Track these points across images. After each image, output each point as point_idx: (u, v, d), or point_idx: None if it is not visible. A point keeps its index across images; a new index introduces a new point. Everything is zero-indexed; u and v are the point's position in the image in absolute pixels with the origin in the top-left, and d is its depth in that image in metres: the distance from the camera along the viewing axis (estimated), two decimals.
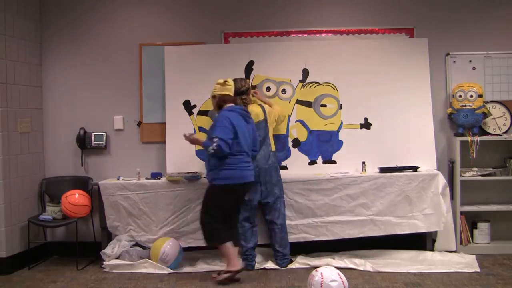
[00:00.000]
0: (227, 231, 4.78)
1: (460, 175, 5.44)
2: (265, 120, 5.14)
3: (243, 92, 5.10)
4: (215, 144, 4.53)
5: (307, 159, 5.57)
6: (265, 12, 5.78)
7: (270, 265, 5.14)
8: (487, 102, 5.59)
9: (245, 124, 4.77)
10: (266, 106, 5.24)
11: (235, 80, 5.07)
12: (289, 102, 5.61)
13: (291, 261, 5.16)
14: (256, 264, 5.14)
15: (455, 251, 5.34)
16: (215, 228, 4.75)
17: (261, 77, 5.63)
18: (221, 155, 4.61)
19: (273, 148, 5.17)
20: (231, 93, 4.83)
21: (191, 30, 5.80)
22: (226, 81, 4.81)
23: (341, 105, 5.59)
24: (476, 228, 5.51)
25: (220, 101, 4.83)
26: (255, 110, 5.14)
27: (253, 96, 5.34)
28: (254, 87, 5.59)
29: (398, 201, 5.26)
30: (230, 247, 4.72)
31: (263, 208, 5.15)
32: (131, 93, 5.81)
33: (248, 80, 5.56)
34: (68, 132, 5.80)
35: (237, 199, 4.86)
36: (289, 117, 5.58)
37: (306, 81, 5.62)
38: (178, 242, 5.22)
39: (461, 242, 5.43)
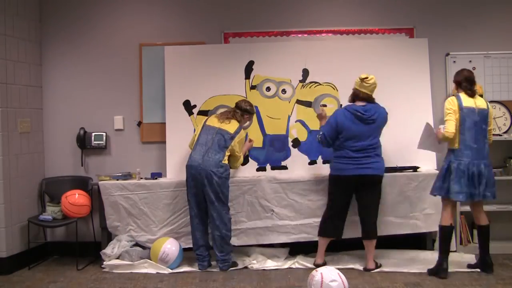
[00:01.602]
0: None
1: None
2: (231, 137, 5.08)
3: (240, 108, 5.20)
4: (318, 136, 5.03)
5: (307, 159, 5.57)
6: (265, 12, 5.78)
7: (270, 265, 5.14)
8: None
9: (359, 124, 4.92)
10: (241, 133, 5.16)
11: (244, 100, 5.30)
12: (289, 102, 5.61)
13: (235, 264, 5.15)
14: (257, 264, 5.15)
15: (455, 251, 5.34)
16: None
17: (261, 77, 5.63)
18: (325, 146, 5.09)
19: (225, 161, 5.04)
20: (366, 91, 4.95)
21: (191, 30, 5.80)
22: (366, 78, 4.92)
23: (341, 105, 5.58)
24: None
25: (353, 96, 5.05)
26: (233, 123, 5.13)
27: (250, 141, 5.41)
28: (254, 87, 5.59)
29: (398, 201, 5.26)
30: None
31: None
32: (131, 93, 5.81)
33: (247, 80, 5.57)
34: (68, 132, 5.80)
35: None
36: (289, 117, 5.59)
37: (306, 81, 5.62)
38: (178, 242, 5.22)
39: (461, 242, 5.43)
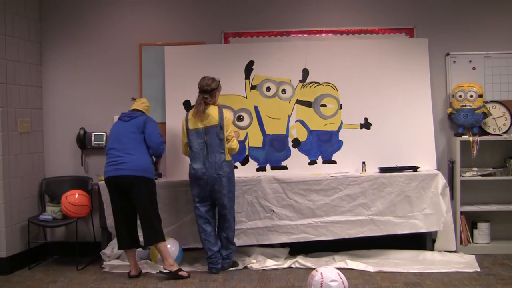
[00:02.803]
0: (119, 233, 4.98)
1: (460, 175, 5.44)
2: (220, 126, 4.91)
3: (206, 91, 4.97)
4: None
5: (307, 159, 5.57)
6: (265, 12, 5.78)
7: (270, 265, 5.14)
8: (487, 102, 5.59)
9: (120, 124, 5.04)
10: (225, 114, 4.96)
11: (203, 78, 5.03)
12: (289, 102, 5.61)
13: (235, 263, 5.13)
14: (257, 264, 5.15)
15: (455, 251, 5.34)
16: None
17: (261, 77, 5.63)
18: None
19: (228, 158, 4.94)
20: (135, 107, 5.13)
21: (191, 30, 5.80)
22: (134, 99, 5.21)
23: (341, 105, 5.59)
24: (476, 228, 5.51)
25: None
26: (212, 113, 4.93)
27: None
28: (254, 87, 5.60)
29: (398, 201, 5.26)
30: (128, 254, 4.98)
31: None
32: (131, 93, 5.79)
33: (247, 80, 5.58)
34: (68, 132, 5.81)
35: (116, 195, 4.93)
36: (289, 117, 5.59)
37: (306, 81, 5.62)
38: (178, 242, 5.22)
39: (461, 242, 5.43)
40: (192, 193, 5.02)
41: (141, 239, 5.03)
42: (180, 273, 4.85)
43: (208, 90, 4.96)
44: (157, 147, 4.98)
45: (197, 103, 5.00)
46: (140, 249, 5.28)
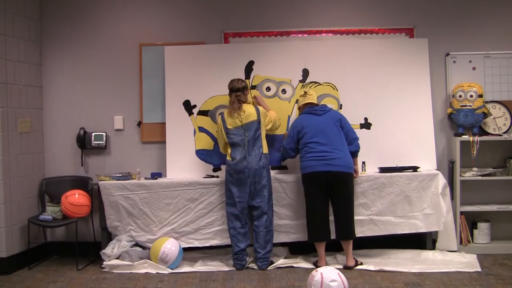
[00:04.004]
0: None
1: (460, 175, 5.44)
2: (258, 121, 5.14)
3: (238, 89, 5.16)
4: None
5: None
6: (265, 12, 5.78)
7: (270, 265, 5.14)
8: (487, 102, 5.59)
9: (314, 118, 5.11)
10: (261, 108, 5.24)
11: (232, 80, 5.23)
12: (289, 102, 5.61)
13: (272, 263, 5.13)
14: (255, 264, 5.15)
15: (455, 251, 5.33)
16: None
17: (261, 77, 5.63)
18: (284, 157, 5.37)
19: (266, 150, 5.16)
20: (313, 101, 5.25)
21: (191, 30, 5.80)
22: (306, 92, 5.28)
23: (341, 105, 5.59)
24: (476, 228, 5.51)
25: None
26: (248, 109, 5.16)
27: (253, 98, 5.39)
28: (254, 87, 5.60)
29: (398, 201, 5.26)
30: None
31: (251, 209, 5.13)
32: (131, 93, 5.81)
33: (247, 80, 5.58)
34: (68, 132, 5.80)
35: (320, 190, 5.00)
36: (289, 117, 5.59)
37: (306, 81, 5.62)
38: (178, 242, 5.22)
39: (461, 242, 5.43)
40: (230, 188, 5.09)
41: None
42: (358, 263, 5.03)
43: (241, 88, 5.16)
44: (357, 143, 5.15)
45: (231, 102, 5.19)
46: (140, 249, 5.28)
